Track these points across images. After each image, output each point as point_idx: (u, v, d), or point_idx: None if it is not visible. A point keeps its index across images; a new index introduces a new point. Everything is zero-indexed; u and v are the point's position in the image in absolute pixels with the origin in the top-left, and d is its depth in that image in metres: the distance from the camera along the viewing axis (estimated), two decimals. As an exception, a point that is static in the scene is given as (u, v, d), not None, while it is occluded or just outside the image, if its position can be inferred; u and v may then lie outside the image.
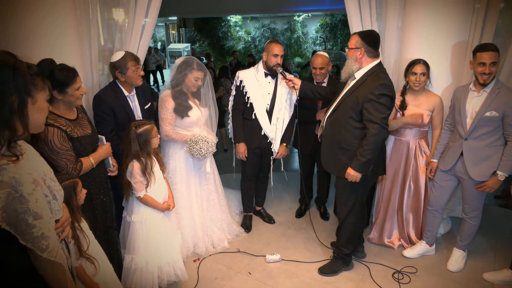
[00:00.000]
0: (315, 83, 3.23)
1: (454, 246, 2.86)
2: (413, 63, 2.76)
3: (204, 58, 11.69)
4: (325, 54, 3.24)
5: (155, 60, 12.69)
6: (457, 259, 2.81)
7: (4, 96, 1.10)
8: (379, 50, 3.01)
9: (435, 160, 2.81)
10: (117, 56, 2.52)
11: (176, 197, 2.86)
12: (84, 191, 1.79)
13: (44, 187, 1.23)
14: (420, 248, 2.95)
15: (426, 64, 2.74)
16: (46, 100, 1.27)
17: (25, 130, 1.17)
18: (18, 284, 1.26)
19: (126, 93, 2.60)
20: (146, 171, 2.35)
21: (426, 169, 2.89)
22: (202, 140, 2.68)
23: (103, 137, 2.31)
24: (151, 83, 12.39)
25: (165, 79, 13.00)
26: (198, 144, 2.67)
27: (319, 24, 15.31)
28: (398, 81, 3.11)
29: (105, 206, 2.35)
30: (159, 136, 2.43)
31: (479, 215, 2.68)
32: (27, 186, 1.14)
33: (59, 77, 2.01)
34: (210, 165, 2.97)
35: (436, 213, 2.84)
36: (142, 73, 2.61)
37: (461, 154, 2.57)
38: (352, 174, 2.40)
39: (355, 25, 3.02)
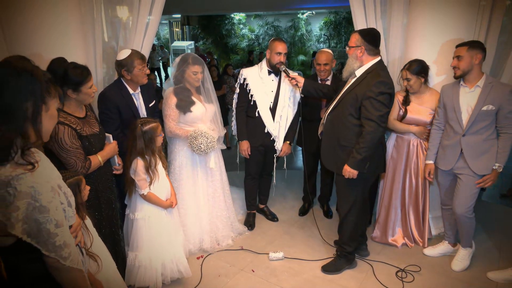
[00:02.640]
0: (319, 80, 3.22)
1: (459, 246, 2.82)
2: (403, 68, 2.78)
3: (206, 56, 11.68)
4: (329, 51, 3.24)
5: (160, 57, 12.73)
6: (462, 257, 2.78)
7: (20, 102, 1.09)
8: (383, 47, 3.03)
9: (431, 162, 2.78)
10: (124, 54, 2.51)
11: (182, 193, 2.88)
12: (88, 187, 1.80)
13: (61, 194, 1.22)
14: (443, 247, 2.93)
15: (410, 70, 2.72)
16: (56, 108, 1.27)
17: (38, 137, 1.15)
18: None
19: (131, 91, 2.61)
20: (150, 169, 2.36)
21: (425, 171, 2.85)
22: (201, 135, 2.67)
23: (110, 136, 2.32)
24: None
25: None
26: (198, 140, 2.67)
27: (323, 21, 15.25)
28: (402, 79, 3.10)
29: (111, 203, 2.36)
30: (163, 135, 2.44)
31: (472, 212, 2.62)
32: (46, 194, 1.12)
33: (73, 76, 2.03)
34: (216, 162, 2.97)
35: (452, 211, 2.77)
36: (147, 71, 2.61)
37: (462, 151, 2.56)
38: (349, 170, 2.41)
39: (360, 23, 3.00)
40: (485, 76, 2.50)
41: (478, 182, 2.55)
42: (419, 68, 2.72)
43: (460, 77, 2.52)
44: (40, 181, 1.12)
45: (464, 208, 2.59)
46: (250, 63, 6.28)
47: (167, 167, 2.59)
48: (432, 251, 2.95)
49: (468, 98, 2.52)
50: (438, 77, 2.93)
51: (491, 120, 2.47)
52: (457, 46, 2.52)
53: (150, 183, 2.37)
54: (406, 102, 2.85)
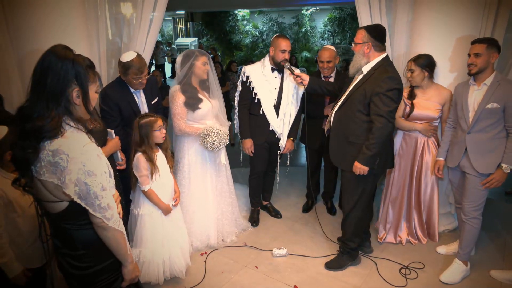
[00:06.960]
0: (322, 77, 3.21)
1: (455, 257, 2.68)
2: (410, 59, 2.79)
3: (210, 52, 11.67)
4: (332, 47, 3.22)
5: (164, 54, 12.73)
6: (454, 270, 2.63)
7: (64, 87, 1.26)
8: (388, 44, 3.02)
9: (441, 158, 2.76)
10: (127, 57, 2.49)
11: (192, 191, 2.90)
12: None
13: (104, 163, 1.37)
14: (457, 247, 2.81)
15: (416, 62, 2.73)
16: (95, 91, 1.45)
17: (88, 115, 1.37)
18: (87, 252, 1.43)
19: (132, 89, 2.61)
20: (151, 161, 2.38)
21: (434, 167, 2.84)
22: (215, 132, 2.69)
23: (112, 131, 2.33)
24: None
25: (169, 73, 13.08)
26: (211, 137, 2.68)
27: (327, 18, 15.16)
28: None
29: None
30: (164, 131, 2.44)
31: (480, 216, 2.54)
32: (93, 161, 1.29)
33: None
34: (224, 157, 2.98)
35: None
36: (144, 81, 2.57)
37: (466, 149, 2.53)
38: (359, 167, 2.41)
39: (364, 19, 2.99)
40: (495, 74, 2.45)
41: (484, 183, 2.47)
42: (426, 62, 2.72)
43: (475, 74, 2.46)
44: (88, 149, 1.29)
45: (470, 207, 2.53)
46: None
47: (173, 166, 2.60)
48: (445, 249, 2.92)
49: (475, 96, 2.49)
50: (443, 73, 2.91)
51: (498, 118, 2.41)
52: (473, 43, 2.46)
53: (151, 174, 2.38)
54: (411, 96, 2.84)
